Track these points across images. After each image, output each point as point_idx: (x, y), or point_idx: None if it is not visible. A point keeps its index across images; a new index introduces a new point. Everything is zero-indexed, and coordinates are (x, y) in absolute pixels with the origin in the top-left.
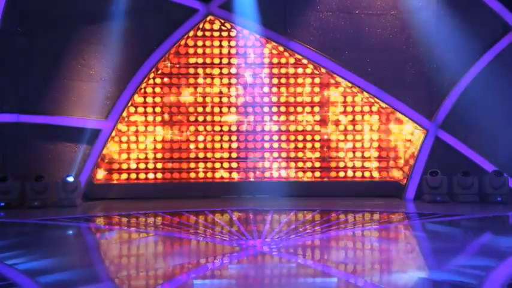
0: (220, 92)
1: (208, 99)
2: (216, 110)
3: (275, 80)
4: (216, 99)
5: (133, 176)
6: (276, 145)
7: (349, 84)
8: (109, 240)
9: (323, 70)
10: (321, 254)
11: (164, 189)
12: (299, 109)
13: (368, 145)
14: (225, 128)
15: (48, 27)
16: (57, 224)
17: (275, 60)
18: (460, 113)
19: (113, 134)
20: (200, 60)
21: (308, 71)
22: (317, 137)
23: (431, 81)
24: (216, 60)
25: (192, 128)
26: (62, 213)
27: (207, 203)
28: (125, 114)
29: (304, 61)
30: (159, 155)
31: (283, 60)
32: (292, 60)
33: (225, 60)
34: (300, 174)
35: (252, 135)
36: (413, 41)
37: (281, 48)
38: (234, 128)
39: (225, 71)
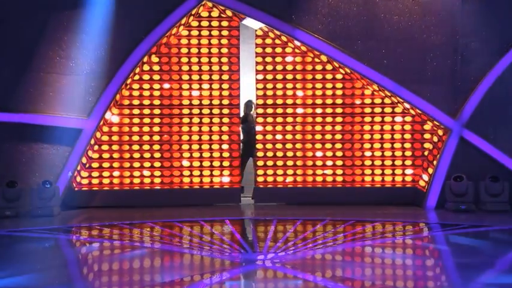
0: (220, 88)
1: (205, 95)
2: (216, 110)
3: (289, 76)
4: (216, 95)
5: (118, 181)
6: (289, 146)
7: (359, 76)
8: (91, 254)
9: (337, 65)
10: (331, 269)
11: (154, 196)
12: (318, 110)
13: (382, 146)
14: (225, 129)
15: (21, 12)
16: (32, 236)
17: (288, 50)
18: (488, 110)
19: (96, 134)
20: (194, 51)
21: (328, 67)
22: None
23: (456, 74)
24: (214, 51)
25: (185, 129)
26: (37, 223)
27: (202, 212)
28: (109, 112)
29: (324, 58)
30: (147, 159)
31: (290, 49)
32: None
33: (224, 51)
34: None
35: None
36: (435, 29)
37: (291, 44)
38: (235, 130)
39: (224, 67)
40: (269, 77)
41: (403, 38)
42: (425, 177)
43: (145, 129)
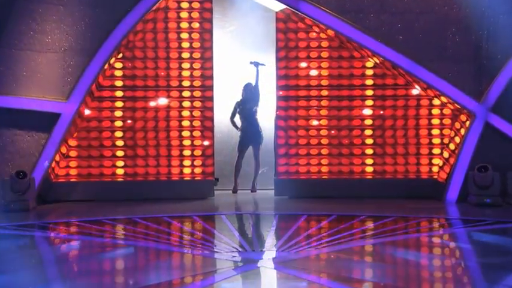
0: (191, 68)
1: (174, 76)
2: (186, 93)
3: (313, 54)
4: (186, 75)
5: (102, 172)
6: (313, 132)
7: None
8: (71, 253)
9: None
10: (339, 270)
11: (141, 189)
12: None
13: (417, 133)
14: (197, 114)
15: None
16: (4, 233)
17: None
18: None
19: (76, 119)
20: (161, 26)
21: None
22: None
23: (481, 51)
24: (184, 25)
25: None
26: (10, 219)
27: (195, 206)
28: (91, 94)
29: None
30: (130, 147)
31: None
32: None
33: (195, 26)
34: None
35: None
36: (457, 0)
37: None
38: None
39: (196, 44)
40: (291, 55)
41: (421, 11)
42: (446, 167)
43: (134, 112)
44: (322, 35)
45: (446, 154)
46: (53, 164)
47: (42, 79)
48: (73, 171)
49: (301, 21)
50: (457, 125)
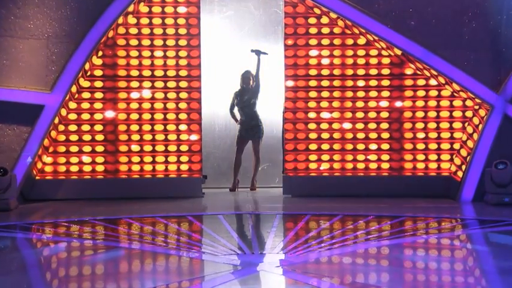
0: (177, 57)
1: (159, 65)
2: (171, 83)
3: (325, 41)
4: (171, 64)
5: (89, 169)
6: (324, 126)
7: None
8: (56, 256)
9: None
10: (344, 274)
11: (131, 186)
12: (359, 82)
13: (438, 126)
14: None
15: None
16: None
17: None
18: None
19: (61, 111)
20: (145, 10)
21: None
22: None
23: (499, 38)
24: (169, 10)
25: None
26: None
27: (189, 206)
28: (76, 84)
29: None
30: (111, 141)
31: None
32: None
33: (181, 10)
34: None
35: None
36: None
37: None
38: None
39: (182, 30)
40: (301, 42)
41: None
42: (460, 162)
43: (121, 106)
44: (335, 22)
45: (457, 146)
46: (36, 160)
47: (24, 68)
48: (48, 168)
49: (310, 9)
50: (469, 113)
